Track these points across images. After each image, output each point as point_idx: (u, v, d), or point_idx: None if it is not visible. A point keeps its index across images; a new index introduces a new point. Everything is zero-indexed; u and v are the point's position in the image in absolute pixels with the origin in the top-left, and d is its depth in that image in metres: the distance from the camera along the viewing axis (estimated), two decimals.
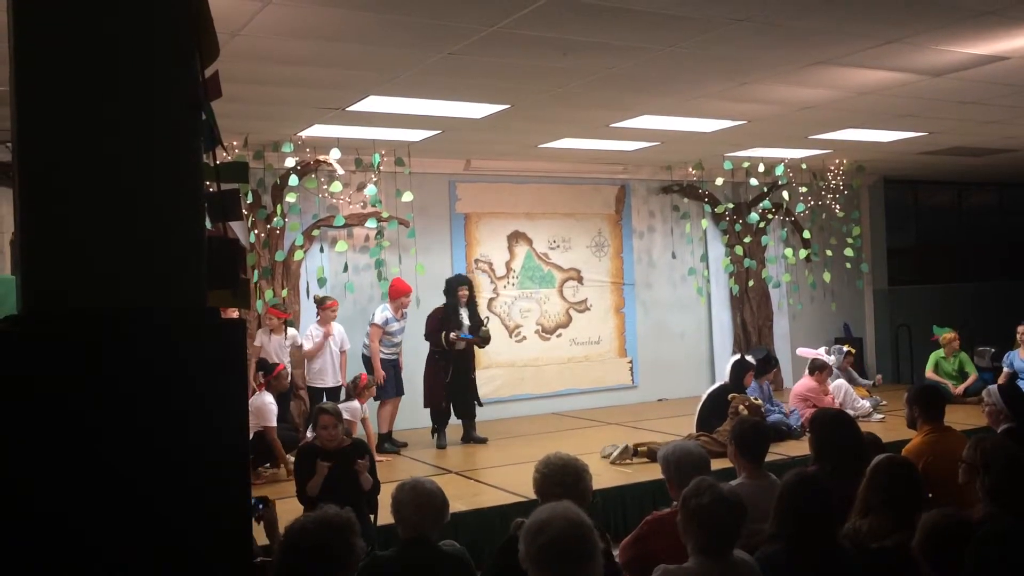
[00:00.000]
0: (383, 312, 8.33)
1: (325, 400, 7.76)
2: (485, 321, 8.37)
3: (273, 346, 7.96)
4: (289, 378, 7.84)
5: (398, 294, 8.31)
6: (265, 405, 6.99)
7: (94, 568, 1.77)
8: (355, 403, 7.30)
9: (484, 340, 8.36)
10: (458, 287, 8.35)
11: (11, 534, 1.72)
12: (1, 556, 1.72)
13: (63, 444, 1.75)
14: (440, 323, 8.26)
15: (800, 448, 7.23)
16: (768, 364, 9.03)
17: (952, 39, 5.61)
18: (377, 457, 6.66)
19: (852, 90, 6.91)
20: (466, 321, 8.29)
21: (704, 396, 8.19)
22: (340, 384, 8.17)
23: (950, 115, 8.09)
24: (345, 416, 6.16)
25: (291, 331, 8.21)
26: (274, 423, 7.00)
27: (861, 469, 3.70)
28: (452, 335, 8.14)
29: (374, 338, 8.24)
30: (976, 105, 7.65)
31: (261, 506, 6.04)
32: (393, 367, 8.36)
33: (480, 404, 8.57)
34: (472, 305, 8.41)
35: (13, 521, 1.72)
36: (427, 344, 8.43)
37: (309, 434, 7.00)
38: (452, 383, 8.30)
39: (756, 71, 6.25)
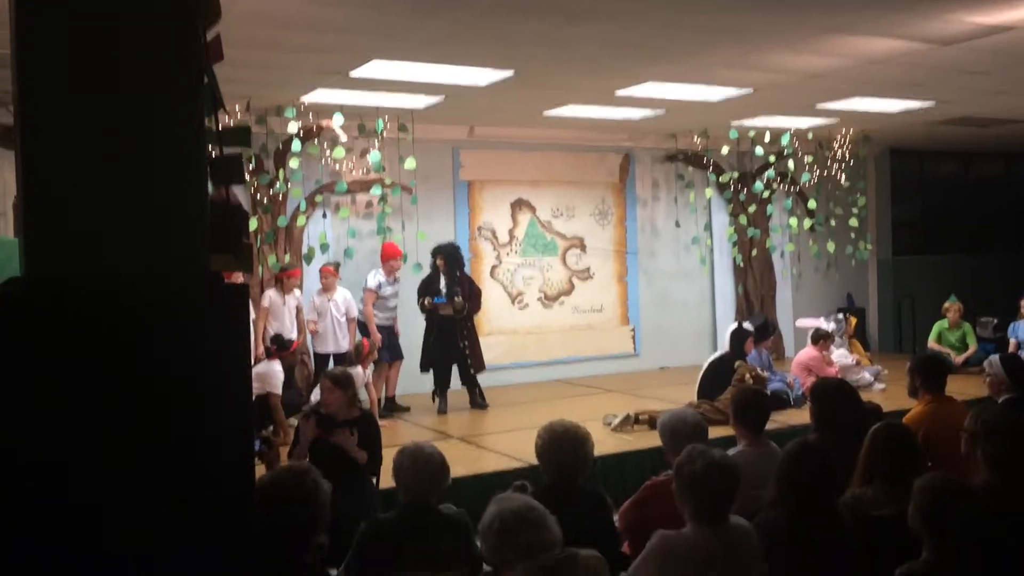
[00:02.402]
0: (376, 276, 8.44)
1: (332, 365, 7.83)
2: (457, 293, 8.37)
3: (287, 306, 8.03)
4: (300, 354, 7.98)
5: (387, 257, 8.45)
6: (273, 373, 7.04)
7: (97, 531, 1.79)
8: (357, 369, 7.34)
9: (456, 308, 8.34)
10: (434, 256, 8.53)
11: (11, 498, 1.74)
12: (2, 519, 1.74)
13: (63, 407, 1.76)
14: (422, 289, 8.47)
15: (800, 417, 7.26)
16: (766, 331, 9.04)
17: (961, 8, 5.54)
18: (380, 422, 6.70)
19: (860, 59, 6.85)
20: (443, 288, 8.39)
21: (705, 365, 8.22)
22: (342, 351, 8.22)
23: (958, 85, 8.03)
24: None
25: (296, 292, 8.26)
26: (279, 390, 7.05)
27: (862, 438, 3.73)
28: (426, 300, 8.35)
29: (368, 302, 8.37)
30: (984, 75, 7.59)
31: (263, 446, 6.11)
32: (388, 332, 8.41)
33: (473, 371, 8.53)
34: (450, 274, 8.42)
35: (14, 484, 1.74)
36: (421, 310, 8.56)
37: (314, 398, 7.05)
38: (436, 347, 8.41)
39: (764, 39, 6.19)
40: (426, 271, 8.74)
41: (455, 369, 8.55)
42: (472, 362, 8.49)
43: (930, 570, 2.77)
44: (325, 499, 2.96)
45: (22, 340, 1.75)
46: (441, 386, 8.47)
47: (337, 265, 8.50)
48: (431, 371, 8.49)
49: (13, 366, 1.74)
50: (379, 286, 8.39)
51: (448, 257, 8.44)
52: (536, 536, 2.65)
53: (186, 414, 1.86)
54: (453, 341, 8.38)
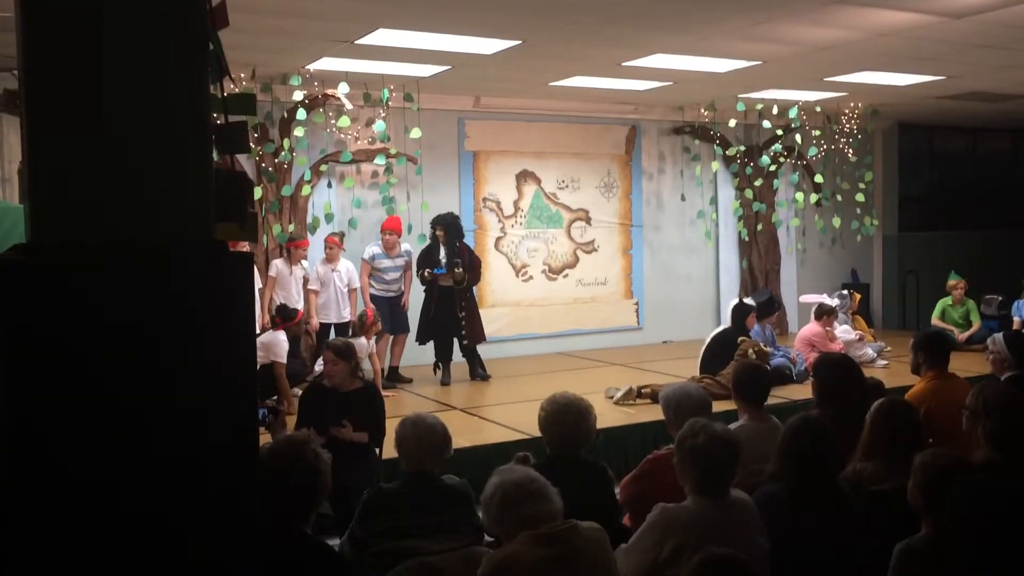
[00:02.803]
0: (371, 248, 8.47)
1: (333, 335, 7.85)
2: (458, 264, 8.32)
3: (294, 276, 8.06)
4: (305, 324, 8.00)
5: (381, 230, 8.44)
6: (278, 342, 7.06)
7: (97, 498, 1.80)
8: (361, 340, 7.36)
9: (456, 279, 8.31)
10: (433, 227, 8.48)
11: (14, 462, 1.75)
12: (3, 479, 1.75)
13: (66, 372, 1.77)
14: (422, 260, 8.42)
15: (803, 392, 7.27)
16: (771, 306, 9.02)
17: None
18: (383, 393, 6.73)
19: (870, 31, 6.78)
20: (442, 259, 8.36)
21: (708, 339, 8.22)
22: (345, 320, 8.24)
23: (968, 59, 7.96)
24: None
25: (304, 263, 8.27)
26: (284, 359, 7.07)
27: (863, 413, 3.73)
28: (426, 272, 8.29)
29: (362, 273, 8.42)
30: (995, 49, 7.52)
31: (269, 415, 6.14)
32: (388, 304, 8.41)
33: (468, 343, 8.48)
34: (450, 244, 8.39)
35: (16, 448, 1.75)
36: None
37: (317, 367, 7.07)
38: (436, 319, 8.39)
39: (773, 10, 6.13)
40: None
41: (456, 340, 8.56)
42: (468, 334, 8.45)
43: (929, 545, 2.78)
44: (325, 468, 2.98)
45: (25, 305, 1.75)
46: (443, 358, 8.48)
47: (341, 235, 8.50)
48: (431, 343, 8.49)
49: (15, 330, 1.75)
50: (372, 257, 8.40)
51: (447, 227, 8.40)
52: (537, 508, 2.67)
53: (189, 382, 1.86)
54: (453, 312, 8.38)
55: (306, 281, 8.27)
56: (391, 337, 8.51)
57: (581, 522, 2.74)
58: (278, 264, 8.09)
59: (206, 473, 1.88)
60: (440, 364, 8.47)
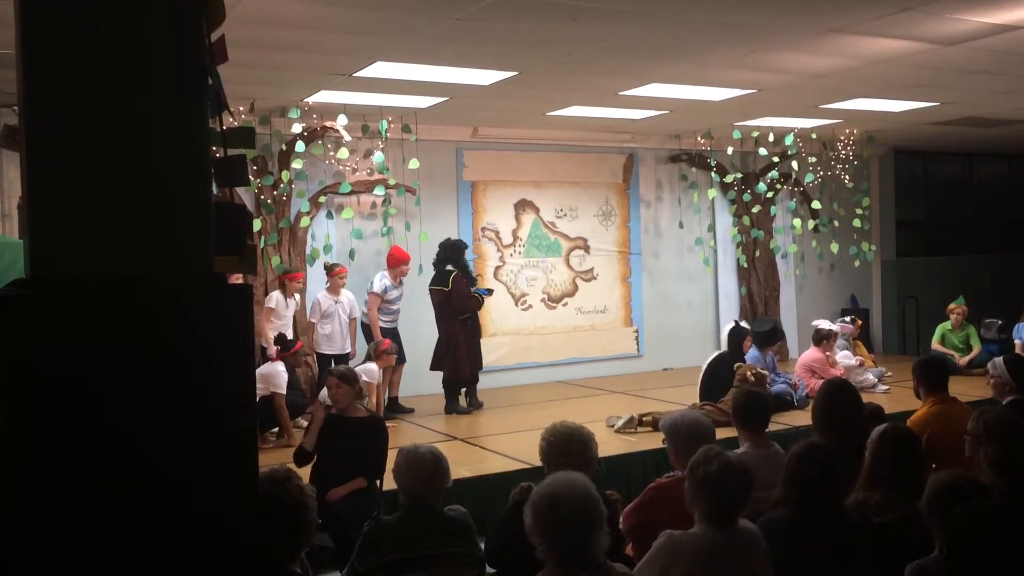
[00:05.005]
0: (382, 280, 8.42)
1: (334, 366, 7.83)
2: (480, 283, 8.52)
3: (289, 310, 8.04)
4: (303, 356, 7.96)
5: (397, 262, 8.41)
6: (277, 373, 7.04)
7: (98, 534, 1.79)
8: (372, 365, 7.32)
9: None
10: (463, 250, 8.54)
11: (15, 497, 1.74)
12: (5, 519, 1.74)
13: (66, 407, 1.76)
14: (467, 285, 8.39)
15: (804, 418, 7.23)
16: (774, 335, 9.01)
17: (966, 7, 5.53)
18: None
19: (864, 59, 6.84)
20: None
21: (705, 364, 8.20)
22: (348, 352, 8.21)
23: (962, 85, 8.02)
24: (363, 379, 6.17)
25: (296, 296, 8.25)
26: (284, 390, 7.04)
27: (862, 441, 3.72)
28: (483, 296, 8.41)
29: (373, 306, 8.35)
30: (988, 75, 7.57)
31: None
32: (393, 335, 8.40)
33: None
34: (467, 268, 8.59)
35: (17, 484, 1.74)
36: (426, 313, 8.53)
37: (322, 397, 7.05)
38: (476, 344, 8.49)
39: (767, 39, 6.19)
40: (428, 272, 8.72)
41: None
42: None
43: (942, 566, 2.76)
44: (312, 504, 2.93)
45: (25, 340, 1.75)
46: (471, 386, 8.52)
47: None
48: (470, 372, 8.45)
49: (16, 364, 1.74)
50: (384, 290, 8.37)
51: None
52: (581, 549, 2.62)
53: (189, 413, 1.86)
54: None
55: (297, 313, 8.25)
56: (393, 368, 8.48)
57: (615, 564, 2.69)
58: (276, 296, 8.06)
59: (205, 505, 1.87)
60: (466, 389, 8.49)
